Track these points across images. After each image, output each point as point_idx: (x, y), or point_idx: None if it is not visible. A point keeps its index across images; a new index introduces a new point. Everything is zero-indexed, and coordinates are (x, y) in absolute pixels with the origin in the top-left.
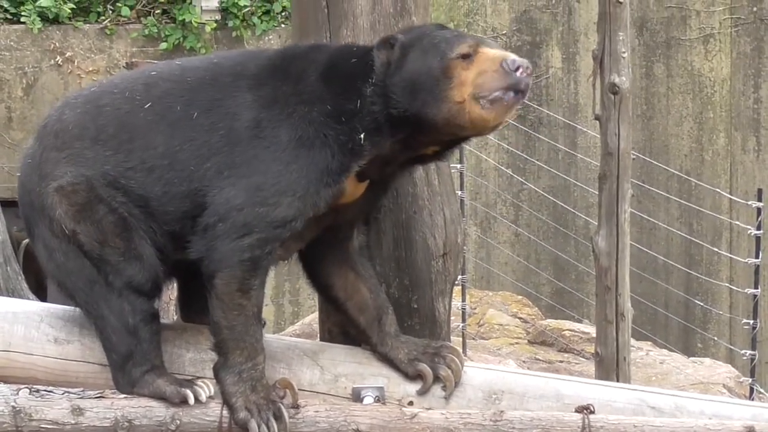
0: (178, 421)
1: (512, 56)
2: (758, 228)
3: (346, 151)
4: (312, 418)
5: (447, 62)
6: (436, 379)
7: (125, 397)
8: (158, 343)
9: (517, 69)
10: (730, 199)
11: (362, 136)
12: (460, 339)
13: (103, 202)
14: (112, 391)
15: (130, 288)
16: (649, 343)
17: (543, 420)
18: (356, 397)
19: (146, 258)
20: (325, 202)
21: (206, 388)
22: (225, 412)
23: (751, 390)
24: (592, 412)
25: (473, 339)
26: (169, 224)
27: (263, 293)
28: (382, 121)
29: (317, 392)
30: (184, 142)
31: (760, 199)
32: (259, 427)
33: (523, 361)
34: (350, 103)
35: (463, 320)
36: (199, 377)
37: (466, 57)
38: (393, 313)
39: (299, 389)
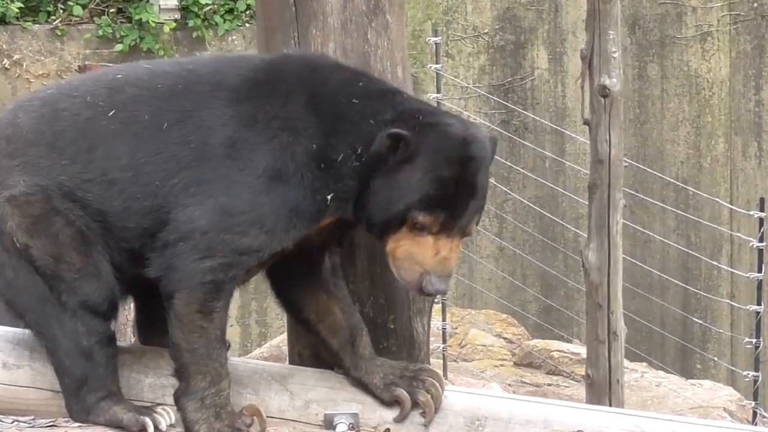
0: None
1: (436, 281)
2: (761, 240)
3: (316, 201)
4: None
5: (406, 216)
6: (415, 404)
7: (79, 426)
8: (115, 367)
9: (432, 293)
10: (731, 209)
11: (329, 197)
12: (441, 361)
13: (60, 214)
14: (65, 419)
15: (85, 308)
16: (644, 364)
17: None
18: (329, 424)
19: (104, 275)
20: (292, 241)
21: (167, 416)
22: None
23: (754, 414)
24: None
25: (455, 361)
26: (128, 241)
27: (227, 315)
28: (349, 196)
29: (287, 419)
30: (150, 154)
31: (762, 209)
32: None
33: (509, 385)
34: (335, 154)
35: (444, 341)
36: (159, 404)
37: (421, 228)
38: (367, 335)
39: (267, 416)
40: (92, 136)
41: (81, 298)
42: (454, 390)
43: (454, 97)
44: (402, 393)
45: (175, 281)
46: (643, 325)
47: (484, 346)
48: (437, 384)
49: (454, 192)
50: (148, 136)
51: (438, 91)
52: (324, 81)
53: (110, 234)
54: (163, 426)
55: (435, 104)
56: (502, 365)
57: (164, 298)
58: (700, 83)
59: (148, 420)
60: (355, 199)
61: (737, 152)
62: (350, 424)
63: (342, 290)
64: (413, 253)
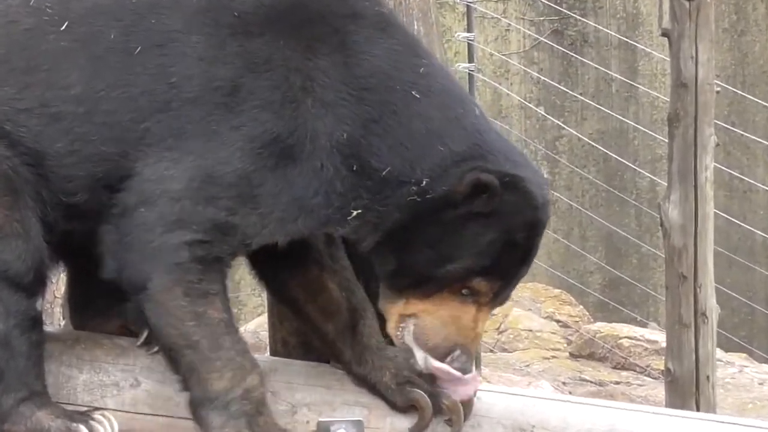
0: None
1: (465, 358)
2: None
3: (332, 207)
4: None
5: (463, 278)
6: (438, 410)
7: None
8: (40, 359)
9: (459, 369)
10: None
11: (354, 213)
12: None
13: None
14: None
15: (3, 279)
16: (744, 355)
17: None
18: None
19: (31, 236)
20: (286, 237)
21: (107, 423)
22: None
23: None
24: None
25: (491, 351)
26: (70, 194)
27: (227, 297)
28: (384, 227)
29: None
30: (113, 86)
31: None
32: None
33: (563, 383)
34: (379, 163)
35: None
36: (96, 408)
37: (470, 294)
38: (374, 318)
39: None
40: (34, 54)
41: (9, 268)
42: (490, 390)
43: None
44: (420, 396)
45: (141, 263)
46: (742, 304)
47: (531, 331)
48: None
49: (518, 260)
50: (113, 61)
51: None
52: (374, 42)
53: (45, 182)
54: None
55: (465, 8)
56: (554, 357)
57: (131, 289)
58: None
59: (82, 428)
60: (387, 233)
61: None
62: None
63: (339, 262)
64: (451, 321)
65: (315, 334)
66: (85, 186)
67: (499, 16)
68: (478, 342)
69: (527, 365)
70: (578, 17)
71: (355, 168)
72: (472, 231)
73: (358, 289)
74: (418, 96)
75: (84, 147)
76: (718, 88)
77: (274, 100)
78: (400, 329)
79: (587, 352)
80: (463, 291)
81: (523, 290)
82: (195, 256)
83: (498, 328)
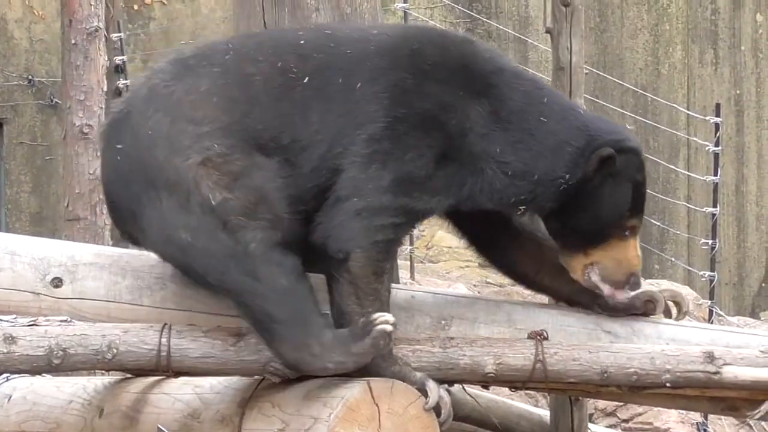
0: (115, 350)
1: (637, 279)
2: (716, 144)
3: (496, 201)
4: (254, 346)
5: (623, 223)
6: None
7: (59, 325)
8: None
9: (637, 290)
10: (688, 114)
11: (522, 208)
12: (408, 263)
13: (262, 168)
14: (45, 318)
15: (277, 247)
16: None
17: (494, 346)
18: None
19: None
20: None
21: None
22: (164, 339)
23: (710, 313)
24: (546, 338)
25: (421, 262)
26: (305, 201)
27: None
28: (543, 213)
29: None
30: (342, 113)
31: (718, 115)
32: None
33: (474, 285)
34: (527, 168)
35: (411, 243)
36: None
37: (629, 232)
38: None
39: None
40: (288, 104)
41: (275, 240)
42: (421, 290)
43: (421, 6)
44: (650, 291)
45: (345, 240)
46: None
47: (450, 248)
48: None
49: (643, 192)
50: (341, 98)
51: (404, 1)
52: (512, 88)
53: (294, 186)
54: None
55: (402, 14)
56: (467, 266)
57: (331, 264)
58: None
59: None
60: (551, 212)
61: (694, 59)
62: None
63: (530, 225)
64: (623, 257)
65: (545, 292)
66: (314, 195)
67: (427, 19)
68: (641, 263)
69: (448, 273)
70: (484, 19)
71: (509, 173)
72: (611, 190)
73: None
74: (545, 120)
75: (321, 164)
76: (587, 71)
77: (453, 131)
78: (587, 275)
79: None
80: (625, 231)
81: None
82: (387, 238)
83: (427, 246)
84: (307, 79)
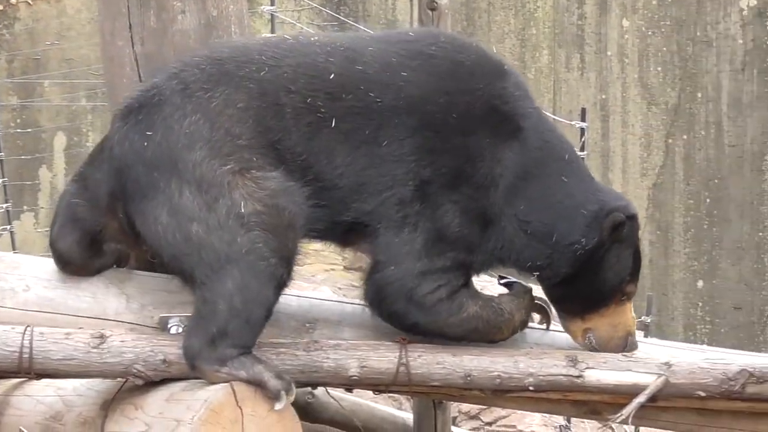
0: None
1: (634, 339)
2: (582, 149)
3: (509, 257)
4: (117, 348)
5: (623, 289)
6: None
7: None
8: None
9: (635, 349)
10: (554, 118)
11: (528, 264)
12: None
13: (295, 194)
14: None
15: (271, 268)
16: None
17: (358, 349)
18: (163, 326)
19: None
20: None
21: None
22: (26, 341)
23: None
24: (410, 342)
25: None
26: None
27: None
28: (556, 280)
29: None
30: (366, 167)
31: (584, 119)
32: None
33: (339, 288)
34: (546, 229)
35: None
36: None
37: (627, 296)
38: None
39: (104, 319)
40: (315, 143)
41: (278, 275)
42: (285, 294)
43: (288, 9)
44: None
45: (407, 310)
46: None
47: (315, 250)
48: None
49: (640, 255)
50: (366, 151)
51: (272, 3)
52: (534, 138)
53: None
54: None
55: (269, 17)
56: (333, 269)
57: (395, 324)
58: None
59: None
60: (562, 277)
61: (560, 64)
62: (184, 326)
63: None
64: (620, 321)
65: None
66: (330, 223)
67: (294, 21)
68: (635, 323)
69: (313, 276)
70: (352, 22)
71: (529, 231)
72: (617, 255)
73: None
74: (565, 180)
75: (343, 207)
76: None
77: (483, 184)
78: (587, 339)
79: (357, 265)
80: (624, 296)
81: None
82: (443, 295)
83: None
84: (334, 122)
